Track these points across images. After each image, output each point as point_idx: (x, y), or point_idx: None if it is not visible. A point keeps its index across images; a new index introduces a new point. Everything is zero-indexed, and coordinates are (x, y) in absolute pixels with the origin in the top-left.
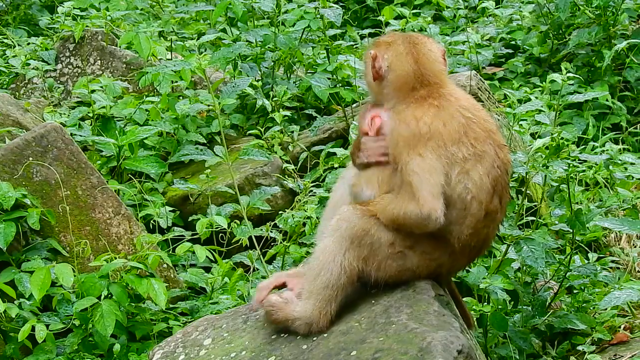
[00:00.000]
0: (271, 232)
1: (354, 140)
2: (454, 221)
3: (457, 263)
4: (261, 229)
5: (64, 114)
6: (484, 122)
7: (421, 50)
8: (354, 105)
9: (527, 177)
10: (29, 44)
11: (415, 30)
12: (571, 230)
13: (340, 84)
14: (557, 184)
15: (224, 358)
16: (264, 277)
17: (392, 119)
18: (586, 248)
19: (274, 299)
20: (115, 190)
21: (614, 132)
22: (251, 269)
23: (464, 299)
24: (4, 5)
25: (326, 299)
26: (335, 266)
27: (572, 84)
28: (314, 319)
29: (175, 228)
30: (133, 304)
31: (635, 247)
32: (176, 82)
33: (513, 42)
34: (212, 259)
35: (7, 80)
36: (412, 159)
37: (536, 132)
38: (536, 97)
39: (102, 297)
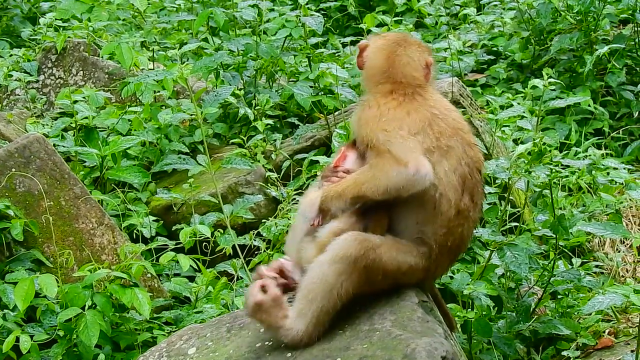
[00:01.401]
0: (255, 240)
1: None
2: (426, 221)
3: (440, 266)
4: (245, 238)
5: (47, 124)
6: (452, 121)
7: (397, 50)
8: (337, 113)
9: (510, 182)
10: (11, 55)
11: None
12: (554, 236)
13: (322, 92)
14: (539, 190)
15: None
16: (247, 286)
17: (358, 108)
18: (570, 253)
19: (259, 298)
20: (98, 201)
21: (597, 137)
22: (235, 278)
23: (448, 305)
24: None
25: (320, 323)
26: (332, 296)
27: (554, 90)
28: (303, 339)
29: (159, 237)
30: (117, 314)
31: (618, 251)
32: (158, 91)
33: (495, 49)
34: (196, 268)
35: None
36: (377, 134)
37: (518, 138)
38: (518, 103)
39: (86, 307)
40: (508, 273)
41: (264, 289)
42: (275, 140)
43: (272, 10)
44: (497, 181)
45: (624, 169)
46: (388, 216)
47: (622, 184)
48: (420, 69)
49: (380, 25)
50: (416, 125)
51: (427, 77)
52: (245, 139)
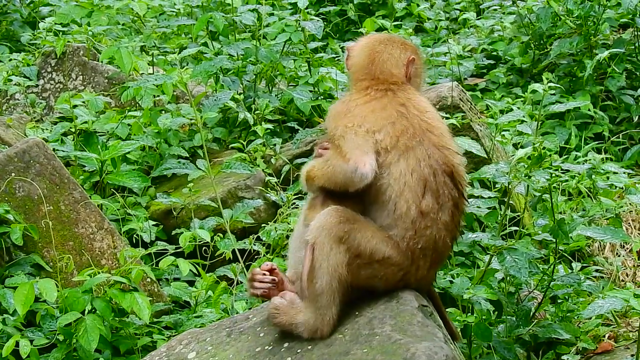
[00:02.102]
0: (254, 245)
1: None
2: (391, 223)
3: (420, 269)
4: (244, 242)
5: (46, 129)
6: (420, 121)
7: (378, 49)
8: None
9: (510, 187)
10: (10, 60)
11: None
12: (554, 240)
13: (322, 97)
14: (539, 194)
15: None
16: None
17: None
18: (570, 257)
19: (278, 302)
20: (98, 205)
21: (596, 142)
22: (235, 282)
23: (448, 309)
24: None
25: (325, 305)
26: (325, 273)
27: (554, 94)
28: (317, 325)
29: (159, 242)
30: (117, 319)
31: (618, 256)
32: (158, 96)
33: (494, 53)
34: (196, 272)
35: None
36: (338, 128)
37: (518, 143)
38: (518, 108)
39: (86, 311)
40: (508, 277)
41: (282, 296)
42: (274, 144)
43: (272, 14)
44: (496, 185)
45: (624, 173)
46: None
47: (622, 188)
48: (401, 65)
49: (380, 29)
50: (378, 123)
51: (408, 74)
52: (244, 143)
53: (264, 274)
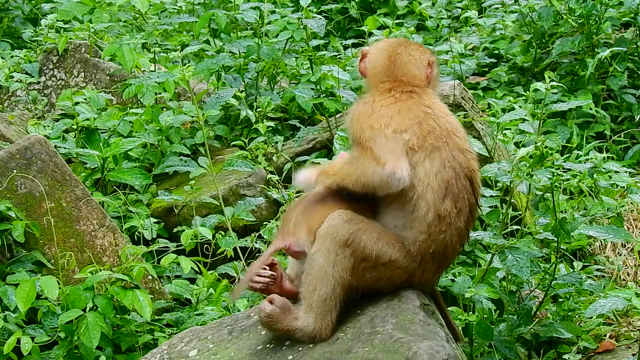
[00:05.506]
0: (256, 242)
1: None
2: (405, 226)
3: (426, 273)
4: (246, 240)
5: (48, 126)
6: (445, 122)
7: (398, 51)
8: (338, 115)
9: (512, 186)
10: (12, 56)
11: None
12: (556, 239)
13: (324, 95)
14: (541, 193)
15: None
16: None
17: (355, 104)
18: (571, 257)
19: (269, 309)
20: (99, 202)
21: (598, 141)
22: (236, 280)
23: (449, 308)
24: None
25: (326, 311)
26: (328, 279)
27: (556, 93)
28: (316, 330)
29: (160, 239)
30: (118, 316)
31: (620, 255)
32: (160, 93)
33: (496, 52)
34: (197, 270)
35: None
36: (364, 130)
37: (520, 141)
38: (520, 106)
39: (88, 309)
40: (509, 276)
41: (271, 301)
42: (276, 142)
43: (274, 12)
44: (498, 184)
45: (625, 172)
46: (372, 207)
47: (624, 187)
48: (422, 67)
49: (382, 27)
50: (405, 123)
51: (429, 76)
52: (246, 141)
53: (264, 268)
